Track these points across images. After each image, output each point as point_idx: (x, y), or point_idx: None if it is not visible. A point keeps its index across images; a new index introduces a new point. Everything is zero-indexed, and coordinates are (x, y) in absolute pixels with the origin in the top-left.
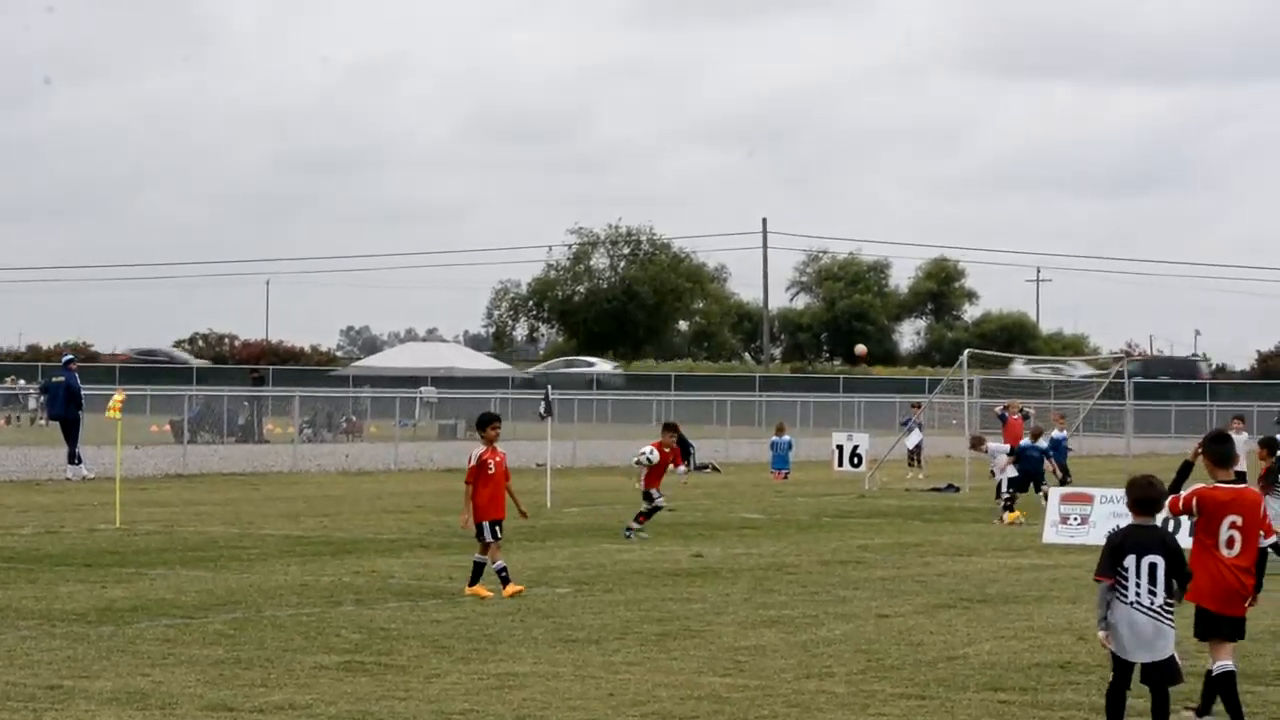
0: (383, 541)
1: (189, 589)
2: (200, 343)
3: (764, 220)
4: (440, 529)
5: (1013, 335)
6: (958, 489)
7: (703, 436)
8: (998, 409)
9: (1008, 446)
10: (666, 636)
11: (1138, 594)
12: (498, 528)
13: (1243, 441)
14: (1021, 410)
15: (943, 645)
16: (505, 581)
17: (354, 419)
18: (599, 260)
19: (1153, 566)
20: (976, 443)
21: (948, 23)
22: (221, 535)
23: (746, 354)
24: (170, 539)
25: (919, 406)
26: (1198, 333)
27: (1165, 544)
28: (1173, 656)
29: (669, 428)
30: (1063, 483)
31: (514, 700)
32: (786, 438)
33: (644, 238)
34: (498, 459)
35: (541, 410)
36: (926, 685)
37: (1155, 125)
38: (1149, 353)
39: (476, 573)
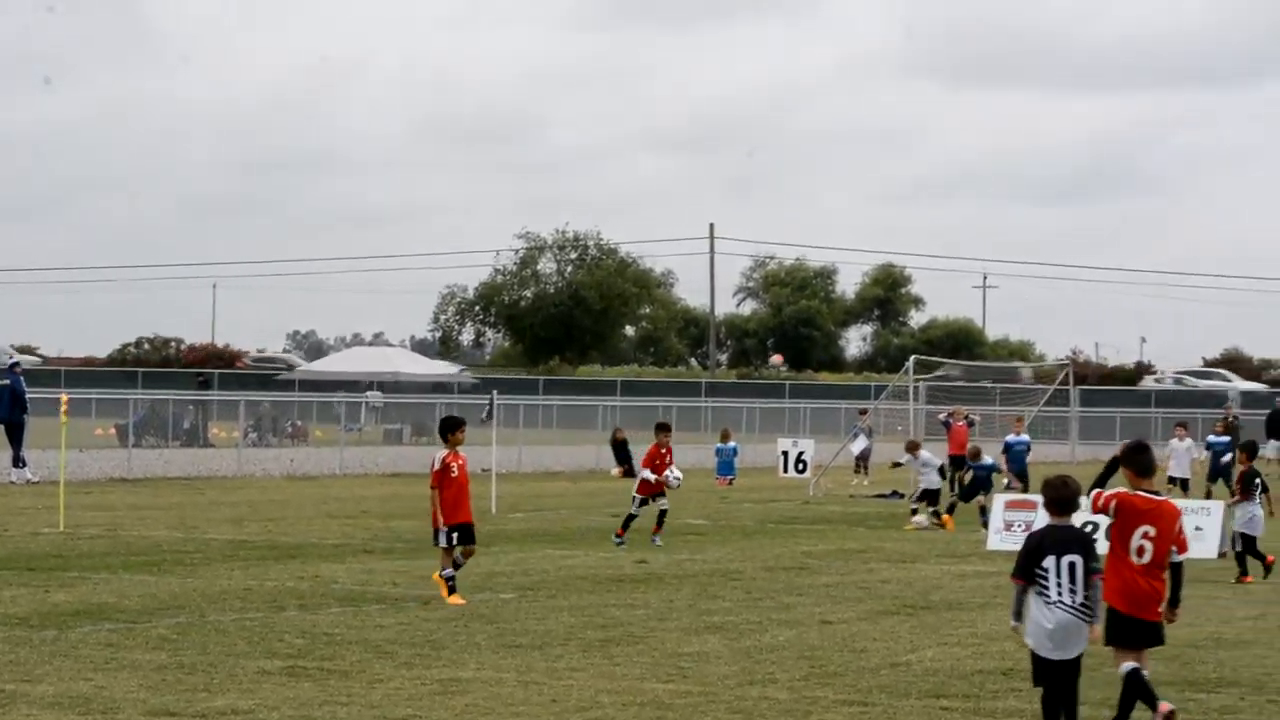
0: (327, 546)
1: (132, 593)
2: (146, 346)
3: (711, 226)
4: (384, 534)
5: (959, 341)
6: (902, 496)
7: (649, 442)
8: (941, 416)
9: (939, 462)
10: (610, 643)
11: (1059, 593)
12: (455, 534)
13: (1186, 449)
14: (967, 417)
15: (886, 652)
16: (452, 590)
17: (299, 423)
18: (546, 265)
19: (1072, 565)
20: (912, 448)
21: (895, 29)
22: (165, 539)
23: (693, 359)
24: (114, 543)
25: (866, 413)
26: (1143, 340)
27: (1082, 542)
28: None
29: (663, 428)
30: (1019, 489)
31: (457, 706)
32: (732, 444)
33: (591, 243)
34: (460, 462)
35: (483, 415)
36: (869, 692)
37: (1102, 133)
38: (1093, 360)
39: (449, 583)
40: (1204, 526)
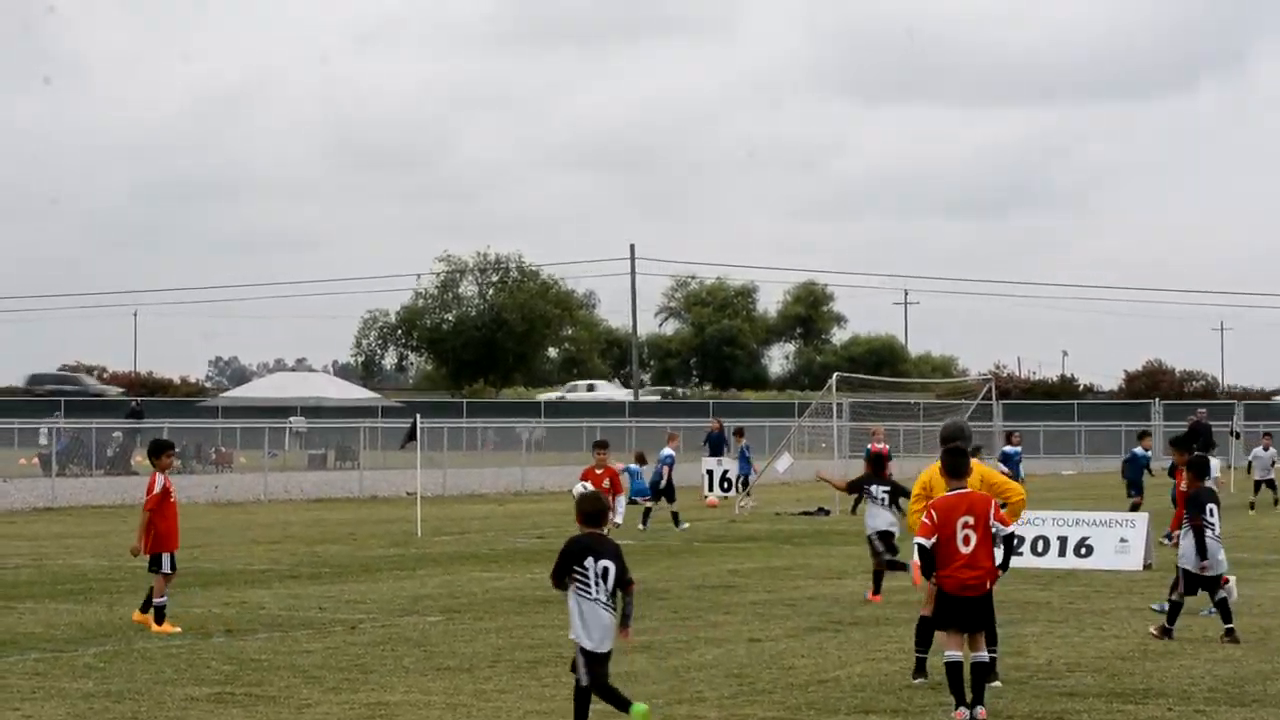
0: (253, 572)
1: (58, 622)
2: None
3: (631, 246)
4: (310, 559)
5: (882, 358)
6: (828, 512)
7: (573, 464)
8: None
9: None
10: (538, 664)
11: (596, 591)
12: (174, 560)
13: (1270, 456)
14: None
15: (814, 668)
16: (161, 620)
17: (223, 450)
18: (467, 288)
19: (606, 569)
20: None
21: (809, 46)
22: (91, 568)
23: (616, 380)
24: (39, 572)
25: (741, 434)
26: (1065, 353)
27: (614, 551)
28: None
29: (600, 445)
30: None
31: None
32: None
33: (512, 265)
34: (171, 486)
35: (403, 440)
36: (798, 709)
37: (1015, 146)
38: (1018, 374)
39: (160, 611)
40: (1129, 539)
